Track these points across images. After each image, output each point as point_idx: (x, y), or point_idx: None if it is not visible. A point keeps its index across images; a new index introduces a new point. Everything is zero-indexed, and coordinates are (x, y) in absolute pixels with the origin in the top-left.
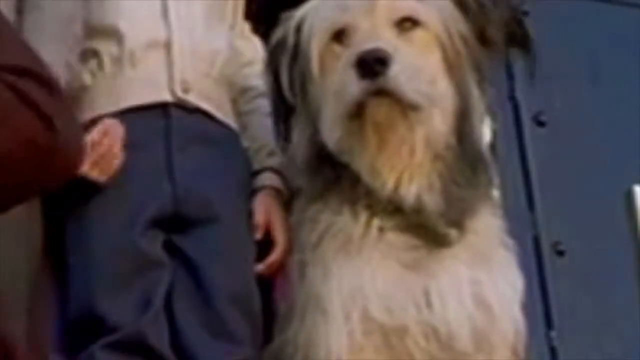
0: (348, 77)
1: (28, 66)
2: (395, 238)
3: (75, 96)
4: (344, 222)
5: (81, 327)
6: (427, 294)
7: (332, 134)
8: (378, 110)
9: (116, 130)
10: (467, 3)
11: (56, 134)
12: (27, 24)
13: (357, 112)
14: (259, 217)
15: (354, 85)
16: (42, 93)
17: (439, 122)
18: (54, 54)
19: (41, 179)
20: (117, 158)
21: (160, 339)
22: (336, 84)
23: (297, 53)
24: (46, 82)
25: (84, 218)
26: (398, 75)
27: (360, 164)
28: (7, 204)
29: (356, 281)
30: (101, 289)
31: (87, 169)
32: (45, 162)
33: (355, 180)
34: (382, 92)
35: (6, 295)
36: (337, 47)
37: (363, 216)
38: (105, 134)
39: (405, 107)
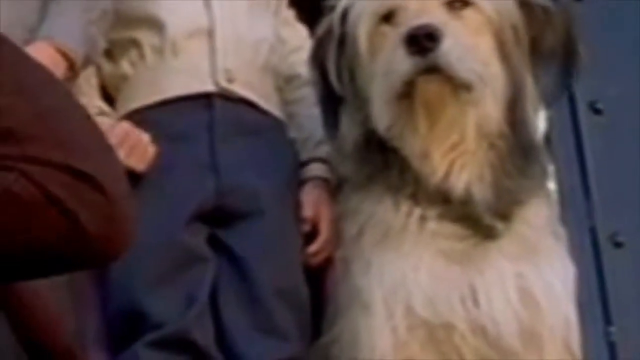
0: (397, 54)
1: (64, 161)
2: (437, 228)
3: (115, 86)
4: (384, 212)
5: (124, 325)
6: (473, 290)
7: (382, 117)
8: (428, 88)
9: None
10: (531, 5)
11: (83, 232)
12: None
13: (406, 92)
14: (307, 210)
15: (403, 63)
16: (70, 187)
17: (491, 107)
18: (73, 24)
19: (81, 264)
20: (150, 147)
21: (205, 336)
22: (385, 63)
23: (344, 41)
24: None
25: None
26: (449, 51)
27: (411, 149)
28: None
29: (398, 275)
30: (144, 285)
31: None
32: (77, 255)
33: (404, 167)
34: (433, 70)
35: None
36: (386, 28)
37: (405, 205)
38: (128, 129)
39: (457, 86)
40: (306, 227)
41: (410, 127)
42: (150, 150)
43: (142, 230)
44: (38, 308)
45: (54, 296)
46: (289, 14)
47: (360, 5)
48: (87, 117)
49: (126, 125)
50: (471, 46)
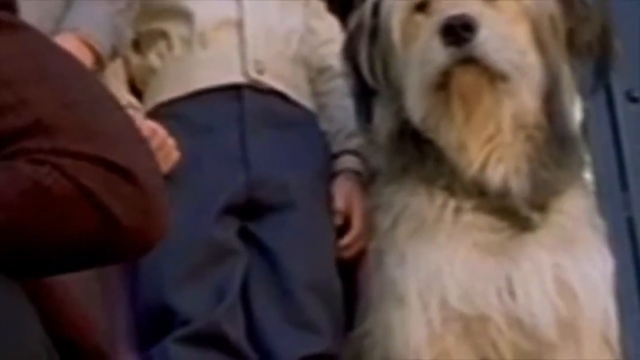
0: (433, 45)
1: (100, 154)
2: (472, 220)
3: (143, 79)
4: (418, 204)
5: (153, 320)
6: (509, 282)
7: (416, 107)
8: (465, 79)
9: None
10: None
11: (117, 225)
12: None
13: (442, 83)
14: (339, 202)
15: (439, 53)
16: (103, 180)
17: (527, 98)
18: (99, 15)
19: (114, 258)
20: (174, 152)
21: (236, 330)
22: (420, 53)
23: (376, 33)
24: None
25: None
26: (486, 41)
27: (447, 140)
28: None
29: (432, 267)
30: (173, 280)
31: None
32: (111, 248)
33: (439, 158)
34: (469, 60)
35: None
36: (419, 17)
37: (439, 197)
38: (154, 129)
39: (494, 77)
40: (338, 220)
41: (446, 119)
42: (175, 154)
43: (173, 225)
44: (68, 304)
45: (84, 292)
46: (319, 5)
47: None
48: (119, 108)
49: (153, 125)
50: (508, 36)
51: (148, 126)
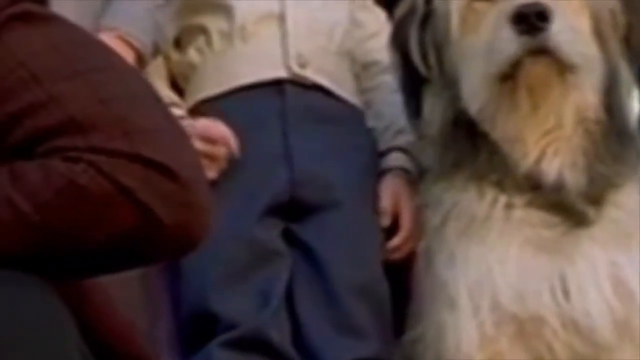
0: (502, 33)
1: (148, 155)
2: (524, 216)
3: (183, 75)
4: (468, 201)
5: (196, 325)
6: (563, 281)
7: (476, 97)
8: (535, 70)
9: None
10: None
11: (157, 223)
12: None
13: (510, 73)
14: (386, 202)
15: (510, 42)
16: (141, 177)
17: (589, 92)
18: (138, 12)
19: (156, 257)
20: (224, 155)
21: (281, 335)
22: (487, 42)
23: (428, 19)
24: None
25: None
26: (560, 32)
27: (503, 132)
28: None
29: (483, 267)
30: (216, 283)
31: None
32: (152, 247)
33: (492, 152)
34: (541, 51)
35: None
36: (480, 5)
37: (490, 193)
38: (210, 136)
39: (563, 69)
40: (386, 221)
41: (507, 110)
42: (223, 162)
43: (215, 227)
44: (109, 309)
45: (125, 296)
46: None
47: None
48: (159, 102)
49: (207, 124)
50: (576, 28)
51: (219, 131)
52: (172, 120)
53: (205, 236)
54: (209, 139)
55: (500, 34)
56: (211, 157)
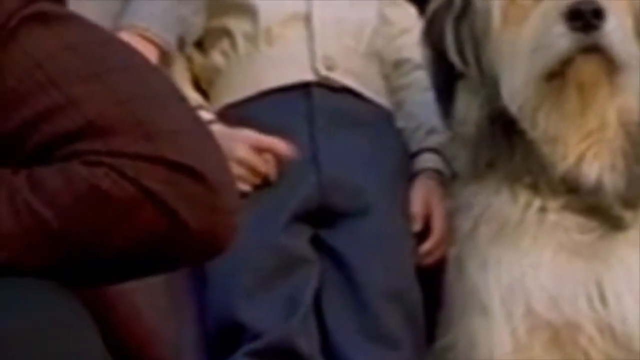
0: (555, 30)
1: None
2: (558, 220)
3: (208, 80)
4: (500, 204)
5: (222, 334)
6: (599, 287)
7: (519, 95)
8: (585, 68)
9: (278, 146)
10: None
11: (183, 227)
12: None
13: (558, 70)
14: (417, 206)
15: (562, 39)
16: (165, 180)
17: (633, 94)
18: (157, 7)
19: (182, 262)
20: (265, 171)
21: (309, 344)
22: (536, 38)
23: (466, 12)
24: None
25: None
26: (613, 31)
27: (544, 131)
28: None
29: (516, 272)
30: (242, 291)
31: None
32: (178, 252)
33: (528, 152)
34: (593, 49)
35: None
36: (524, 0)
37: (523, 196)
38: (256, 149)
39: (613, 69)
40: (417, 225)
41: (552, 109)
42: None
43: (241, 233)
44: (134, 317)
45: (150, 305)
46: None
47: None
48: (181, 100)
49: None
50: (627, 26)
51: (270, 143)
52: (197, 121)
53: (232, 240)
54: (257, 148)
55: (551, 30)
56: (252, 169)
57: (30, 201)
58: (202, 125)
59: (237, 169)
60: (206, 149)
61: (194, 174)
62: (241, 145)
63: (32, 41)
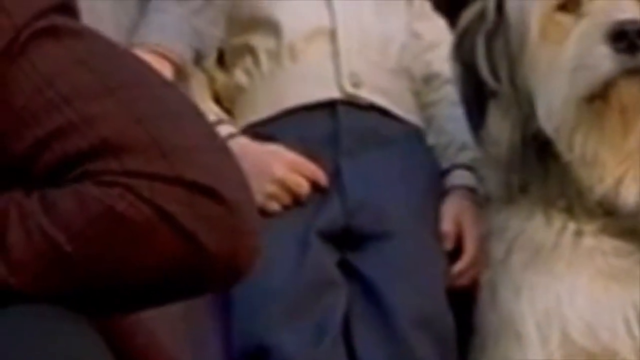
0: (597, 50)
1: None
2: (594, 244)
3: (230, 98)
4: (534, 229)
5: None
6: (638, 312)
7: (556, 116)
8: (630, 91)
9: (317, 175)
10: None
11: (203, 250)
12: None
13: (600, 93)
14: (447, 224)
15: (606, 60)
16: (183, 201)
17: None
18: (168, 21)
19: (202, 288)
20: (300, 192)
21: None
22: (577, 57)
23: (499, 26)
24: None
25: None
26: None
27: (582, 154)
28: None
29: (551, 298)
30: (268, 316)
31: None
32: (197, 277)
33: (564, 174)
34: (637, 71)
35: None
36: (563, 17)
37: (558, 219)
38: (297, 170)
39: None
40: (448, 245)
41: (592, 131)
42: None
43: (265, 256)
44: (153, 348)
45: (170, 333)
46: (425, 4)
47: None
48: (198, 117)
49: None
50: None
51: (311, 171)
52: (215, 137)
53: (253, 264)
54: (298, 170)
55: (593, 50)
56: (287, 189)
57: (42, 224)
58: (220, 141)
59: (271, 187)
60: (224, 167)
61: (212, 194)
62: (280, 165)
63: (43, 56)
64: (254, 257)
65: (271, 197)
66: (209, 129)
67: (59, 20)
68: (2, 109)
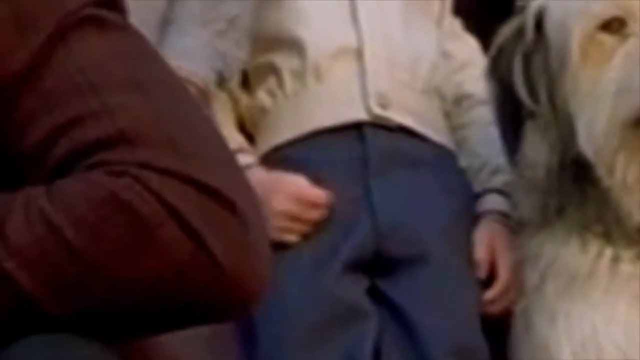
0: None
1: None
2: (632, 270)
3: (253, 121)
4: (569, 255)
5: None
6: None
7: (599, 139)
8: None
9: (315, 195)
10: None
11: (210, 255)
12: (175, 7)
13: None
14: (481, 251)
15: None
16: (193, 201)
17: None
18: (189, 44)
19: (212, 306)
20: (313, 219)
21: None
22: (617, 80)
23: (538, 46)
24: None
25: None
26: None
27: (622, 178)
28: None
29: (587, 327)
30: (294, 345)
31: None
32: (205, 287)
33: (601, 200)
34: None
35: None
36: (607, 37)
37: (594, 246)
38: (300, 201)
39: None
40: (482, 272)
41: (634, 155)
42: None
43: (288, 283)
44: None
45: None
46: (455, 23)
47: (574, 6)
48: (214, 129)
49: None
50: None
51: (315, 194)
52: (228, 150)
53: (261, 289)
54: (301, 200)
55: (637, 74)
56: (299, 220)
57: (44, 208)
58: (233, 157)
59: (279, 221)
60: (241, 183)
61: (224, 201)
62: (281, 197)
63: (81, 46)
64: (264, 280)
65: (282, 230)
66: (225, 143)
67: (108, 14)
68: (32, 88)
